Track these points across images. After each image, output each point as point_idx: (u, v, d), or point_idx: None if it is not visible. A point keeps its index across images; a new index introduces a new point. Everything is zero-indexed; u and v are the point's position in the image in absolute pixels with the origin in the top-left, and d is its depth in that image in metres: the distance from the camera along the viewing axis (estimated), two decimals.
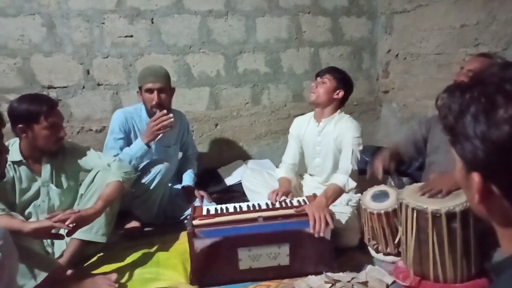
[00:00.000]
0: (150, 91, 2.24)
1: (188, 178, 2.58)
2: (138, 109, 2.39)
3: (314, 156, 2.28)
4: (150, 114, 2.28)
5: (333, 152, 2.17)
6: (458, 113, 0.58)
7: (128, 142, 2.31)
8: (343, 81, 2.18)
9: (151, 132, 2.17)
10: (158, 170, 2.20)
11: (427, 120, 2.18)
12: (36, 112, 1.74)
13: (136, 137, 2.32)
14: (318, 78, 2.20)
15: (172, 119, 2.20)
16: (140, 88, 2.30)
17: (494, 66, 0.58)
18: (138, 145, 2.19)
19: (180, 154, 2.68)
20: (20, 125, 1.77)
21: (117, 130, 2.29)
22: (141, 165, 2.28)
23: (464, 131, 0.57)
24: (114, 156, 2.15)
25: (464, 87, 0.59)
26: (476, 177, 0.58)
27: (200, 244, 1.71)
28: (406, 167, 2.53)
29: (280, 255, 1.75)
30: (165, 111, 2.20)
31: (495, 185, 0.57)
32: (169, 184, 2.47)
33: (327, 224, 1.70)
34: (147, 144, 2.19)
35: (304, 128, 2.28)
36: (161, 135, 2.19)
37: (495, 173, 0.56)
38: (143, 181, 2.19)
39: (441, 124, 0.63)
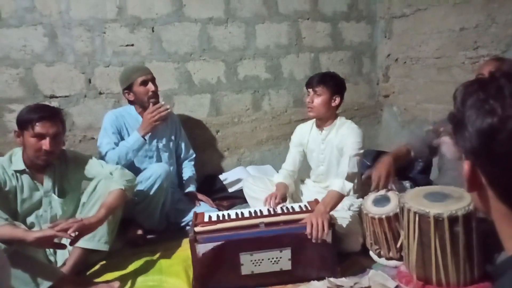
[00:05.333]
0: (145, 82, 2.34)
1: (190, 183, 2.60)
2: (127, 108, 2.47)
3: (319, 164, 2.28)
4: (145, 108, 2.34)
5: (336, 159, 2.16)
6: (460, 102, 0.62)
7: (120, 139, 2.36)
8: (337, 87, 2.15)
9: (148, 123, 2.24)
10: (158, 175, 2.21)
11: (437, 123, 2.14)
12: (28, 120, 1.77)
13: (127, 134, 2.38)
14: (311, 90, 2.15)
15: (169, 109, 2.29)
16: (129, 86, 2.35)
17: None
18: (134, 137, 2.25)
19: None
20: (16, 130, 1.83)
21: (109, 127, 2.35)
22: (140, 170, 2.32)
23: (461, 119, 0.61)
24: (109, 150, 2.24)
25: (475, 81, 0.63)
26: (466, 165, 0.62)
27: (202, 250, 1.71)
28: (408, 171, 2.53)
29: (282, 259, 1.75)
30: (162, 103, 2.29)
31: (482, 172, 0.60)
32: (171, 189, 2.48)
33: (324, 230, 1.70)
34: (143, 137, 2.25)
35: (306, 136, 2.28)
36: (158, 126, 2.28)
37: (480, 160, 0.59)
38: (142, 186, 2.20)
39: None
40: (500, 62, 1.83)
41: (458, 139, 0.63)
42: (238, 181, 2.81)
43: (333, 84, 2.14)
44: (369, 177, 1.99)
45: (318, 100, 2.13)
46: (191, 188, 2.59)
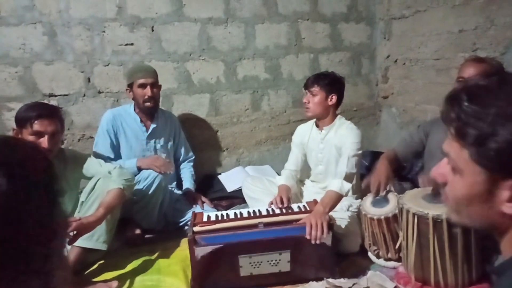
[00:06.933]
0: (143, 86, 2.36)
1: (188, 183, 2.60)
2: (126, 107, 2.51)
3: (317, 164, 2.28)
4: (141, 109, 2.41)
5: (335, 159, 2.16)
6: (473, 114, 0.56)
7: (115, 138, 2.41)
8: (332, 85, 2.15)
9: (150, 166, 2.27)
10: (156, 174, 2.23)
11: (426, 125, 2.18)
12: (27, 118, 1.77)
13: (123, 133, 2.43)
14: (307, 92, 2.18)
15: (173, 170, 2.38)
16: (130, 85, 2.40)
17: None
18: (131, 164, 2.30)
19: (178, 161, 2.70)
20: (14, 128, 1.83)
21: (105, 126, 2.40)
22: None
23: (484, 133, 0.55)
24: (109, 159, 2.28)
25: (480, 89, 0.59)
26: (483, 177, 0.56)
27: (201, 251, 1.71)
28: (406, 172, 2.54)
29: (281, 261, 1.75)
30: (172, 162, 2.41)
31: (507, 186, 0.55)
32: (170, 188, 2.49)
33: (323, 231, 1.70)
34: (139, 168, 2.29)
35: (307, 136, 2.29)
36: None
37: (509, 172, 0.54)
38: (141, 186, 2.21)
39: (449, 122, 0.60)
40: (481, 63, 1.81)
41: (479, 154, 0.56)
42: (237, 181, 2.81)
43: (327, 83, 2.14)
44: (368, 184, 1.99)
45: (313, 100, 2.14)
46: (189, 186, 2.59)
